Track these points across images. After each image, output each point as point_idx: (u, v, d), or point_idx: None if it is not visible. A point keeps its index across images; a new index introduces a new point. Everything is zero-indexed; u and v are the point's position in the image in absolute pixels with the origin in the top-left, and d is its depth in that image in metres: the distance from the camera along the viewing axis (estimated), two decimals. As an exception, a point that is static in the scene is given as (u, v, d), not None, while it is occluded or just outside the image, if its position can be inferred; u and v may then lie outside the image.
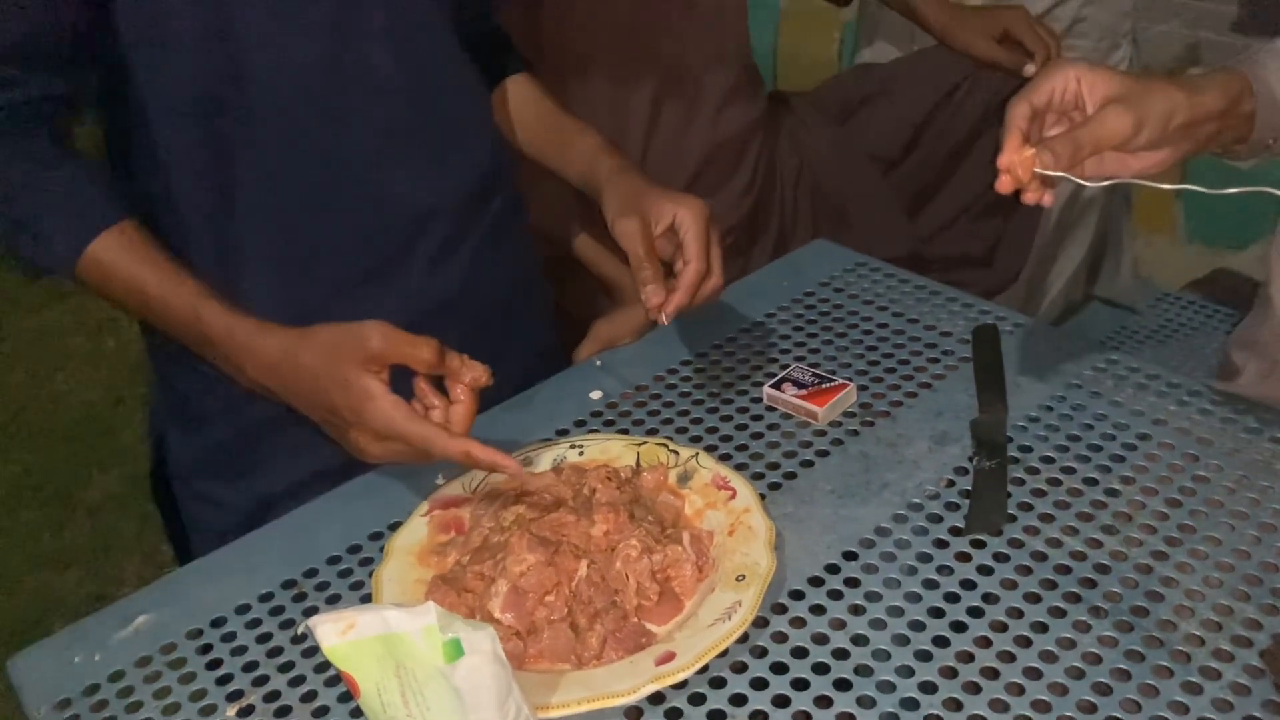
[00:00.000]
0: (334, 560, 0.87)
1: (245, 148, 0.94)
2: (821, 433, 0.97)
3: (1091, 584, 0.80)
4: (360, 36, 0.95)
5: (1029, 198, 0.80)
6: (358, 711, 0.73)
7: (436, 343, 0.83)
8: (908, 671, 0.74)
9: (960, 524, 0.86)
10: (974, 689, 0.73)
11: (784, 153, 1.49)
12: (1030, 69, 1.48)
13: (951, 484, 0.90)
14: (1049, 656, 0.75)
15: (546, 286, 1.20)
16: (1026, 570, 0.81)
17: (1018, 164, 0.78)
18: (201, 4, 0.88)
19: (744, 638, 0.76)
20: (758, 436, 0.97)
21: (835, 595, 0.80)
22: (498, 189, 1.08)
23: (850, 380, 1.01)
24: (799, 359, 1.06)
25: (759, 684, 0.74)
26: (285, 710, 0.75)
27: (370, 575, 0.84)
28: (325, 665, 0.77)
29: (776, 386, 1.01)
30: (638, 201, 0.98)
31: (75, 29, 0.89)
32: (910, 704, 0.72)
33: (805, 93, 1.63)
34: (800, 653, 0.76)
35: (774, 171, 1.47)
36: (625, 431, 0.99)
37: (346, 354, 0.83)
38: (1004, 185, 0.80)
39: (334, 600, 0.84)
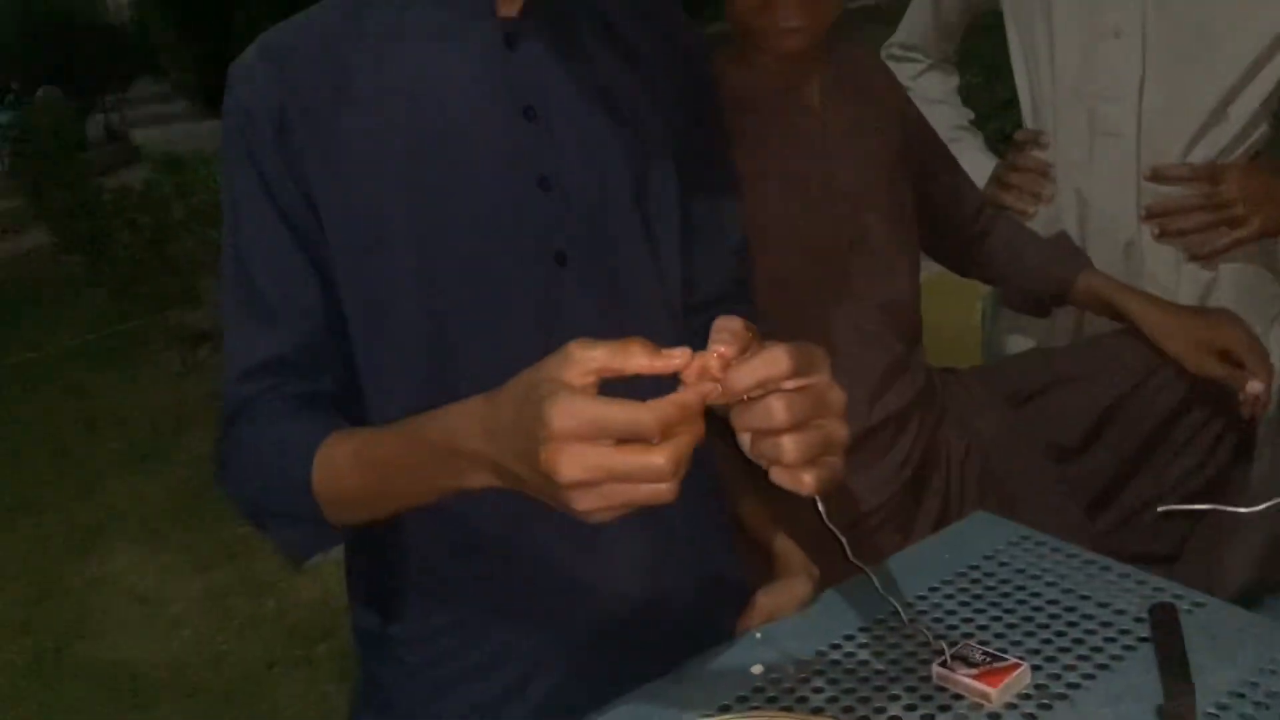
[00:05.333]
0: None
1: None
2: (996, 715, 0.93)
3: None
4: (568, 319, 0.99)
5: None
6: None
7: (645, 341, 0.72)
8: None
9: (1155, 821, 0.80)
10: None
11: (949, 432, 1.47)
12: (1255, 386, 1.40)
13: (1142, 776, 0.85)
14: None
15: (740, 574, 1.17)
16: None
17: None
18: (417, 292, 0.97)
19: None
20: (928, 718, 0.94)
21: None
22: (703, 465, 1.00)
23: (1023, 659, 0.98)
24: (967, 635, 1.03)
25: None
26: None
27: None
28: None
29: (946, 665, 0.98)
30: None
31: (325, 336, 0.99)
32: None
33: (975, 370, 1.61)
34: None
35: (935, 449, 1.45)
36: (789, 709, 0.97)
37: (541, 375, 0.73)
38: None
39: None
